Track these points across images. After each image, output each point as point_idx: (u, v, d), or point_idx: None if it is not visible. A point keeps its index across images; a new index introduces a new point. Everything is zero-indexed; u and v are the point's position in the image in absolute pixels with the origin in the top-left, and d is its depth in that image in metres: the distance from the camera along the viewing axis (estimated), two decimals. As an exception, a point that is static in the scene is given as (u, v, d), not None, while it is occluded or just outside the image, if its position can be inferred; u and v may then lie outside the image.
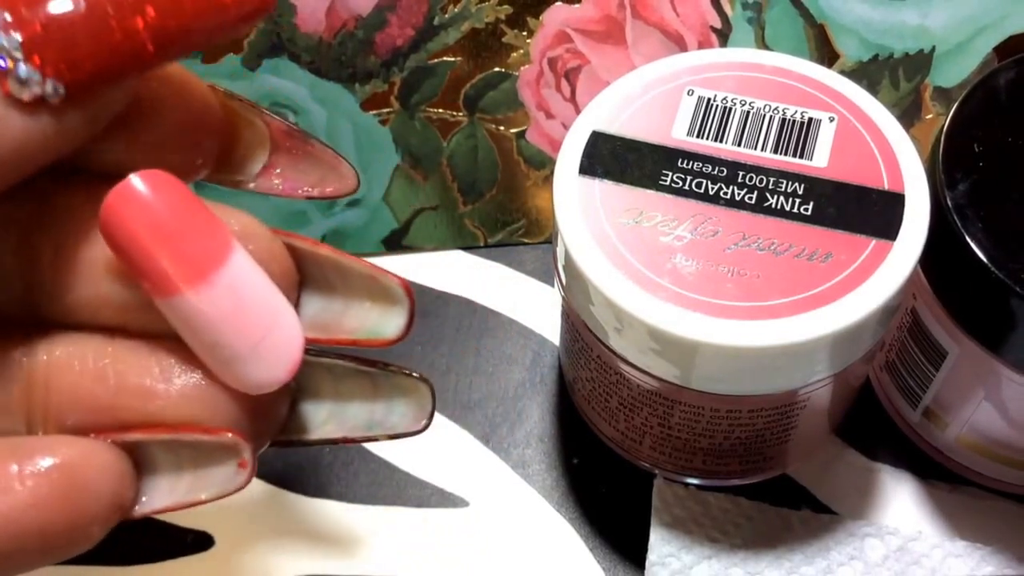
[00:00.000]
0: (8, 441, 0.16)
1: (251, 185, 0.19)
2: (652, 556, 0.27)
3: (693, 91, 0.26)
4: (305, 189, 0.20)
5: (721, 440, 0.26)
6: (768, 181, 0.24)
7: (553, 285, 0.34)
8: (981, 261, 0.23)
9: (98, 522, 0.17)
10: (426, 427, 0.20)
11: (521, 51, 0.33)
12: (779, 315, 0.23)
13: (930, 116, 0.33)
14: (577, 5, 0.32)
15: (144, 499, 0.18)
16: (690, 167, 0.25)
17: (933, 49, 0.32)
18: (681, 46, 0.33)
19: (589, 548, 0.29)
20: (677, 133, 0.25)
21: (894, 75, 0.32)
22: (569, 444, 0.30)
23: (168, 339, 0.17)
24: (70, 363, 0.17)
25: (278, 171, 0.19)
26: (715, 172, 0.25)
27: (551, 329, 0.33)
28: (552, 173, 0.25)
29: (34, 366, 0.17)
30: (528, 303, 0.33)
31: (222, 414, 0.18)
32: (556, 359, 0.32)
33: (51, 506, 0.16)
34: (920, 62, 0.32)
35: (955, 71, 0.32)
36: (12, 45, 0.15)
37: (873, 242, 0.23)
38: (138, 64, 0.16)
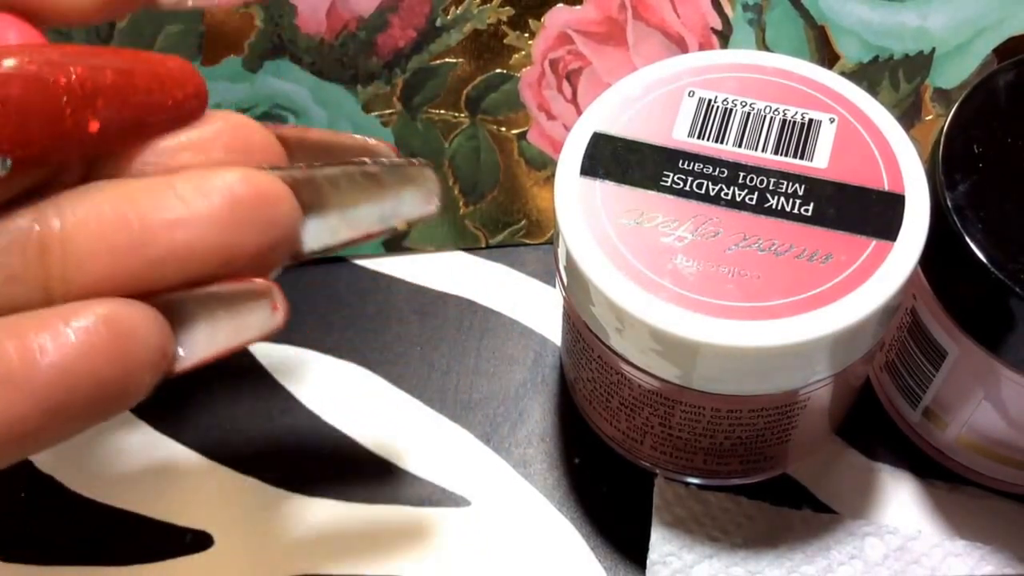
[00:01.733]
0: (50, 309, 0.17)
1: (189, 3, 0.20)
2: (653, 555, 0.27)
3: (694, 92, 0.26)
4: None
5: (722, 440, 0.26)
6: (769, 182, 0.25)
7: (554, 285, 0.34)
8: (981, 262, 0.23)
9: (147, 369, 0.17)
10: (438, 208, 0.20)
11: (523, 52, 0.33)
12: (780, 315, 0.23)
13: (930, 117, 0.33)
14: (578, 7, 0.32)
15: (184, 352, 0.18)
16: (691, 168, 0.25)
17: (933, 51, 0.32)
18: (682, 47, 0.33)
19: (590, 547, 0.29)
20: (678, 134, 0.25)
21: (894, 76, 0.33)
22: (570, 444, 0.30)
23: (178, 172, 0.18)
24: (87, 221, 0.17)
25: None
26: (716, 173, 0.25)
27: (552, 329, 0.33)
28: (553, 174, 0.25)
29: (47, 233, 0.17)
30: (529, 303, 0.33)
31: (245, 232, 0.18)
32: (557, 359, 0.32)
33: (102, 352, 0.17)
34: (920, 63, 0.32)
35: (955, 72, 0.32)
36: None
37: (873, 243, 0.23)
38: (83, 148, 0.17)
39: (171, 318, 0.18)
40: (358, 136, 0.20)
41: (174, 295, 0.18)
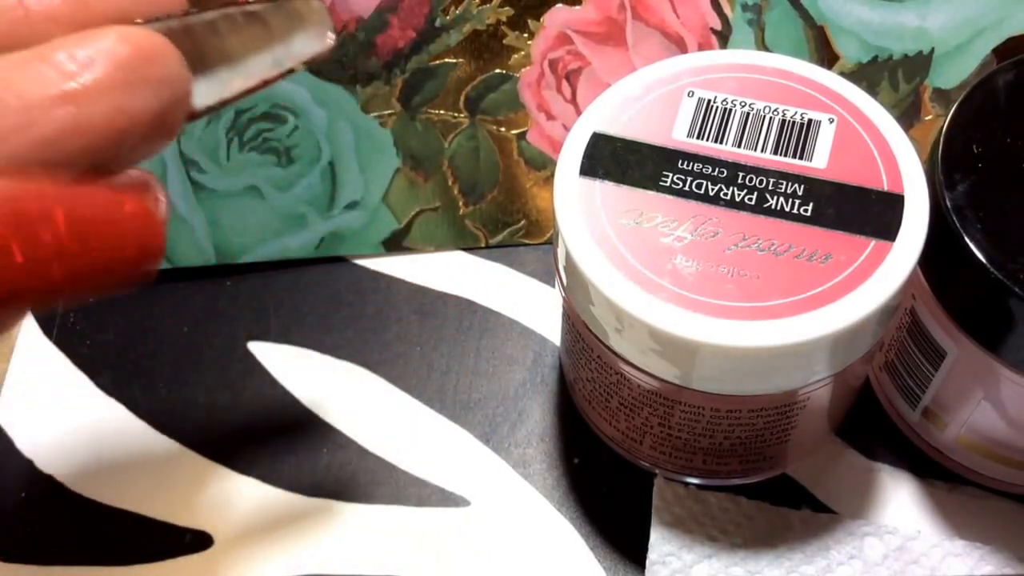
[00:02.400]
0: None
1: None
2: (652, 555, 0.27)
3: (693, 92, 0.26)
4: None
5: (721, 440, 0.26)
6: (768, 182, 0.25)
7: (554, 286, 0.34)
8: (980, 262, 0.23)
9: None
10: (333, 42, 0.19)
11: (522, 53, 0.33)
12: (779, 315, 0.23)
13: (929, 117, 0.33)
14: (578, 7, 0.32)
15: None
16: (690, 168, 0.25)
17: (932, 51, 0.32)
18: (681, 48, 0.33)
19: (590, 547, 0.29)
20: (677, 134, 0.25)
21: (893, 76, 0.33)
22: (570, 444, 0.30)
23: (51, 43, 0.17)
24: None
25: None
26: (715, 173, 0.25)
27: (552, 329, 0.33)
28: (553, 174, 0.25)
29: None
30: (529, 303, 0.33)
31: (135, 96, 0.17)
32: (557, 359, 0.32)
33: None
34: (919, 64, 0.32)
35: (954, 72, 0.32)
36: None
37: (872, 243, 0.24)
38: (41, 299, 0.16)
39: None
40: None
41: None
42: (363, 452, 0.30)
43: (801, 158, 0.25)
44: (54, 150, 0.16)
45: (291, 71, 0.19)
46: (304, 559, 0.29)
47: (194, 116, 0.18)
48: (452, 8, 0.32)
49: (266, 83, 0.19)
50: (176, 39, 0.17)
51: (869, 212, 0.24)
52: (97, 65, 0.16)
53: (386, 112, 0.33)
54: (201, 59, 0.18)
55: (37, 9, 0.17)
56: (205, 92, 0.18)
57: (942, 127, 0.26)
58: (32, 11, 0.17)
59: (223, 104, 0.19)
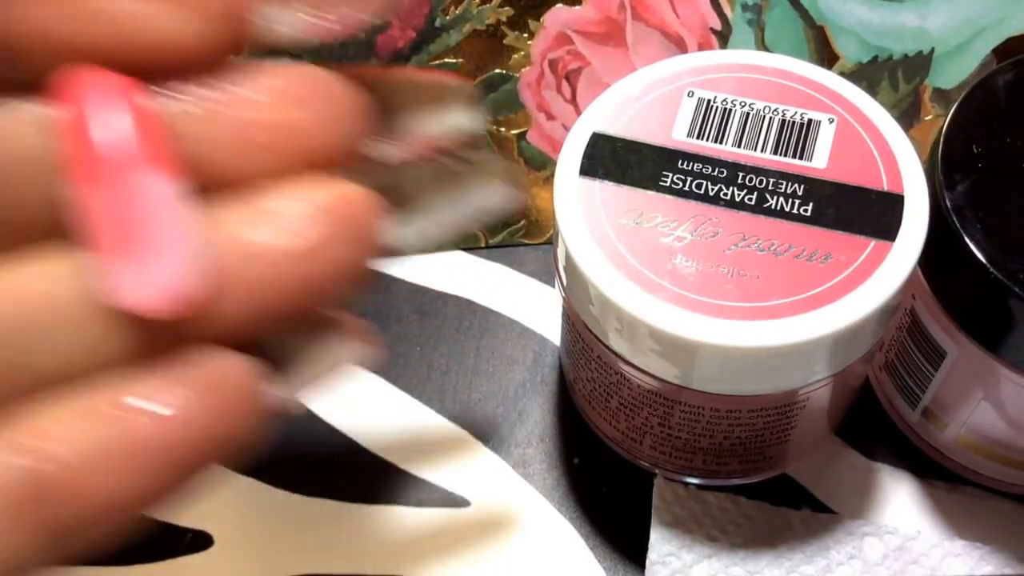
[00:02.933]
0: (151, 370, 0.16)
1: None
2: (652, 555, 0.27)
3: (693, 92, 0.26)
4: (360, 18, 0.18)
5: (721, 440, 0.26)
6: (768, 182, 0.25)
7: (553, 286, 0.34)
8: (980, 262, 0.23)
9: (249, 417, 0.17)
10: (522, 199, 0.20)
11: (522, 53, 0.33)
12: (779, 315, 0.23)
13: (929, 117, 0.33)
14: (578, 7, 0.32)
15: (275, 393, 0.18)
16: (690, 168, 0.25)
17: (932, 51, 0.32)
18: (681, 48, 0.33)
19: (590, 547, 0.29)
20: (677, 134, 0.25)
21: (893, 76, 0.33)
22: (570, 444, 0.30)
23: (257, 195, 0.17)
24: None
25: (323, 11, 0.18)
26: (715, 173, 0.25)
27: (552, 329, 0.33)
28: (553, 174, 0.25)
29: None
30: (529, 303, 0.33)
31: (346, 250, 0.17)
32: (557, 359, 0.32)
33: (211, 408, 0.16)
34: (919, 64, 0.32)
35: (954, 72, 0.32)
36: None
37: (872, 243, 0.24)
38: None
39: (261, 361, 0.18)
40: (430, 73, 0.19)
41: (257, 338, 0.18)
42: (363, 452, 0.30)
43: (801, 158, 0.25)
44: (267, 302, 0.17)
45: (480, 223, 0.20)
46: (304, 559, 0.29)
47: (383, 258, 0.19)
48: (452, 8, 0.32)
49: (457, 229, 0.20)
50: (377, 188, 0.18)
51: (869, 212, 0.24)
52: (311, 218, 0.17)
53: (386, 112, 0.33)
54: (397, 206, 0.19)
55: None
56: (400, 237, 0.19)
57: (942, 127, 0.26)
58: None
59: (417, 249, 0.20)
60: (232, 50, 0.17)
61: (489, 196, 0.20)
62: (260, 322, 0.17)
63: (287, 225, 0.17)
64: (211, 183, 0.17)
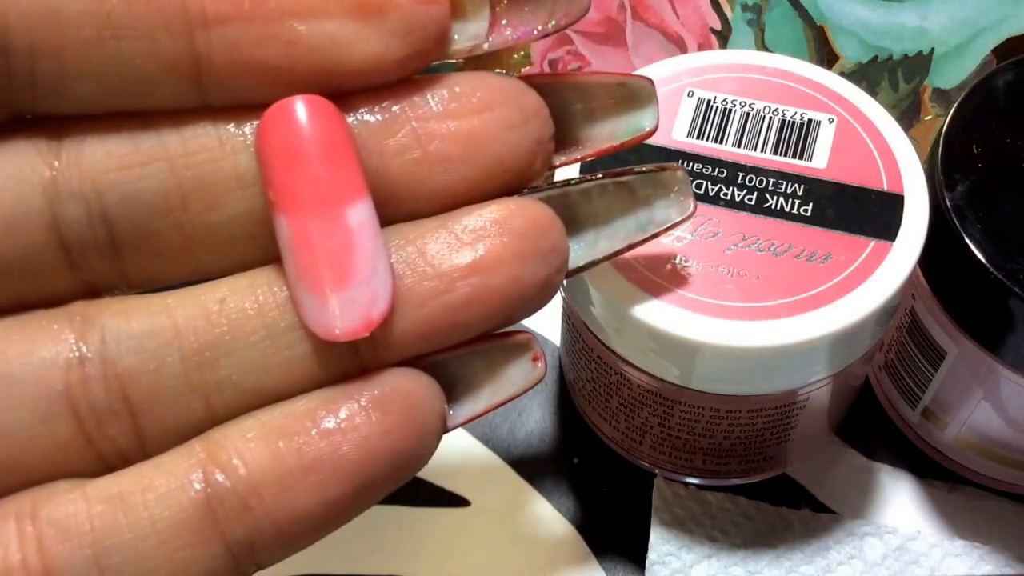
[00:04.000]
0: (339, 388, 0.17)
1: (485, 46, 0.18)
2: (652, 555, 0.27)
3: (693, 93, 0.26)
4: (539, 28, 0.18)
5: (721, 440, 0.26)
6: (768, 182, 0.25)
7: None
8: (980, 262, 0.23)
9: (434, 436, 0.17)
10: (694, 210, 0.20)
11: (522, 53, 0.33)
12: (779, 316, 0.23)
13: (929, 117, 0.33)
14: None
15: (452, 413, 0.18)
16: (690, 168, 0.25)
17: (932, 51, 0.32)
18: (681, 48, 0.33)
19: (589, 547, 0.29)
20: (677, 134, 0.25)
21: (893, 77, 0.33)
22: (570, 444, 0.30)
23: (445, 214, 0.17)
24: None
25: (504, 21, 0.18)
26: (715, 173, 0.25)
27: (551, 329, 0.33)
28: (553, 175, 0.25)
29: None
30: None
31: (529, 266, 0.17)
32: (557, 359, 0.32)
33: (399, 428, 0.17)
34: (919, 64, 0.32)
35: (954, 73, 0.32)
36: None
37: (872, 243, 0.24)
38: None
39: (437, 380, 0.18)
40: (609, 74, 0.19)
41: (440, 357, 0.18)
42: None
43: (801, 158, 0.25)
44: (459, 316, 0.17)
45: (654, 236, 0.20)
46: (303, 559, 0.29)
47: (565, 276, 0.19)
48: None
49: (631, 247, 0.20)
50: (554, 205, 0.18)
51: (869, 212, 0.24)
52: (497, 237, 0.17)
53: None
54: (573, 224, 0.19)
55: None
56: (574, 255, 0.19)
57: (942, 127, 0.25)
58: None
59: (591, 265, 0.20)
60: (422, 65, 0.17)
61: (662, 208, 0.20)
62: (442, 339, 0.17)
63: (469, 241, 0.17)
64: (395, 198, 0.17)
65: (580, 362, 0.27)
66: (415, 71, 0.17)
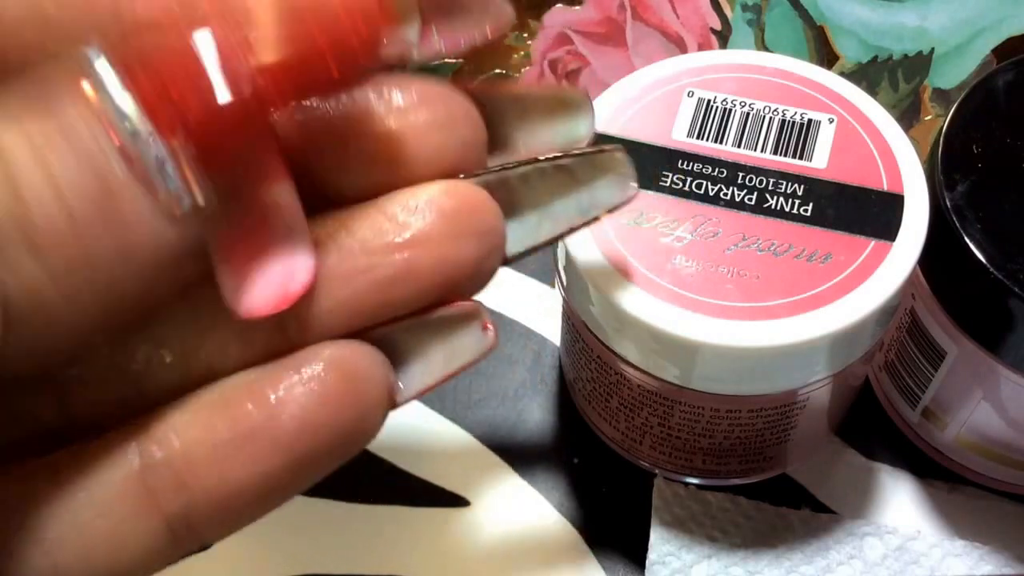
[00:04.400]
0: (278, 363, 0.17)
1: (415, 54, 0.18)
2: (652, 555, 0.27)
3: (693, 93, 0.26)
4: (465, 39, 0.19)
5: (721, 440, 0.26)
6: (768, 182, 0.25)
7: (554, 286, 0.34)
8: (980, 262, 0.23)
9: (379, 408, 0.17)
10: (635, 191, 0.20)
11: (522, 53, 0.33)
12: (779, 315, 0.23)
13: (929, 117, 0.33)
14: (578, 7, 0.32)
15: (402, 386, 0.18)
16: (690, 168, 0.25)
17: (932, 51, 0.32)
18: (681, 48, 0.33)
19: (589, 547, 0.29)
20: (677, 134, 0.25)
21: (893, 77, 0.33)
22: (570, 444, 0.30)
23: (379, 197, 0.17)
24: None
25: (435, 30, 0.18)
26: (715, 173, 0.25)
27: (552, 329, 0.33)
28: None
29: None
30: (529, 304, 0.33)
31: (461, 245, 0.17)
32: (557, 359, 0.32)
33: (339, 399, 0.17)
34: (919, 64, 0.32)
35: (954, 73, 0.32)
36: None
37: (872, 243, 0.23)
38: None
39: (386, 354, 0.18)
40: (547, 85, 0.19)
41: (386, 330, 0.18)
42: (362, 452, 0.30)
43: (801, 158, 0.25)
44: (387, 293, 0.17)
45: (596, 219, 0.20)
46: (302, 559, 0.29)
47: (506, 262, 0.19)
48: (452, 8, 0.32)
49: (572, 230, 0.20)
50: (492, 190, 0.18)
51: (869, 212, 0.24)
52: (426, 216, 0.17)
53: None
54: (513, 208, 0.19)
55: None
56: (515, 238, 0.19)
57: (942, 127, 0.25)
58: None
59: (532, 251, 0.20)
60: (350, 69, 0.17)
61: (602, 190, 0.20)
62: (372, 316, 0.17)
63: (398, 221, 0.17)
64: (328, 193, 0.17)
65: (580, 362, 0.27)
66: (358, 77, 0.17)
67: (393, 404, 0.18)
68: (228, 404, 0.16)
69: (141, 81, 0.14)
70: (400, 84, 0.18)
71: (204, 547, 0.17)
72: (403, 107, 0.17)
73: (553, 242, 0.20)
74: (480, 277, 0.18)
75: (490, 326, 0.19)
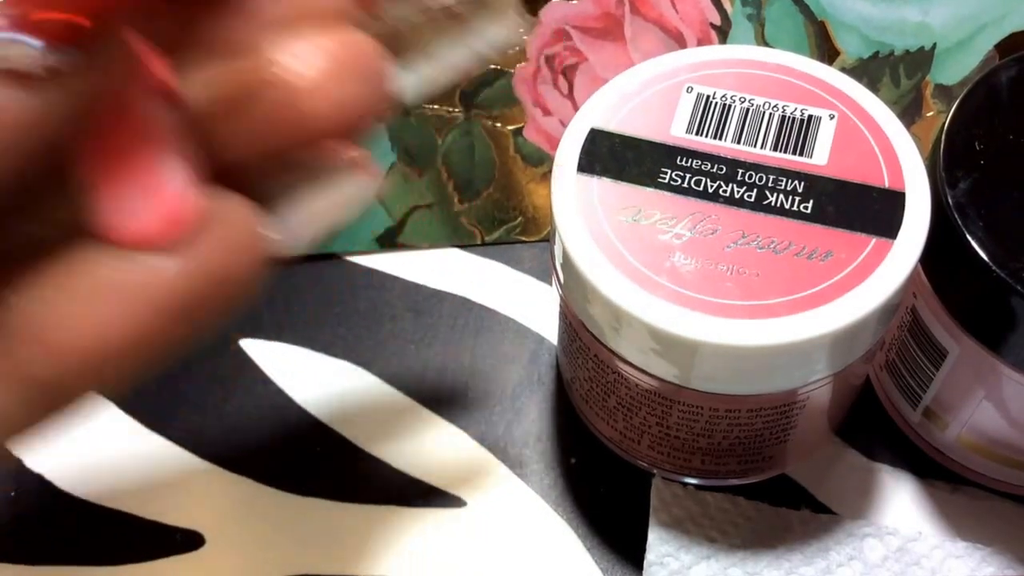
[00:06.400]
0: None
1: None
2: (650, 556, 0.27)
3: (692, 88, 0.26)
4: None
5: (720, 440, 0.26)
6: (768, 179, 0.24)
7: (551, 284, 0.33)
8: (982, 260, 0.23)
9: (245, 250, 0.17)
10: (523, 28, 0.20)
11: (516, 48, 0.32)
12: (779, 314, 0.22)
13: (931, 114, 0.33)
14: (575, 1, 0.32)
15: (283, 236, 0.18)
16: (689, 165, 0.25)
17: (934, 46, 0.32)
18: (680, 43, 0.33)
19: (587, 548, 0.29)
20: (676, 130, 0.25)
21: (895, 72, 0.32)
22: (567, 444, 0.30)
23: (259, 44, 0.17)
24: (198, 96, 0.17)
25: None
26: (714, 170, 0.25)
27: (549, 328, 0.33)
28: (550, 170, 0.25)
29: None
30: (525, 302, 0.33)
31: (347, 86, 0.17)
32: (554, 358, 0.32)
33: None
34: (921, 59, 0.32)
35: (956, 68, 0.32)
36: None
37: (873, 240, 0.23)
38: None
39: (263, 205, 0.18)
40: None
41: (264, 182, 0.18)
42: (357, 451, 0.30)
43: (801, 155, 0.25)
44: (277, 135, 0.17)
45: (485, 60, 0.20)
46: (296, 559, 0.28)
47: (399, 110, 0.19)
48: (448, 2, 0.32)
49: (465, 71, 0.20)
50: (384, 41, 0.19)
51: (870, 209, 0.24)
52: (310, 58, 0.17)
53: (381, 107, 0.33)
54: (401, 54, 0.20)
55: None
56: (407, 84, 0.20)
57: (944, 124, 0.25)
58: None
59: (427, 97, 0.20)
60: None
61: (492, 31, 0.20)
62: (260, 156, 0.17)
63: (288, 61, 0.17)
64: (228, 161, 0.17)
65: (577, 361, 0.27)
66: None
67: (272, 257, 0.18)
68: (79, 254, 0.16)
69: None
70: (291, 36, 0.18)
71: (57, 416, 0.16)
72: (297, 60, 0.17)
73: (446, 85, 0.20)
74: (364, 122, 0.18)
75: (373, 171, 0.19)
